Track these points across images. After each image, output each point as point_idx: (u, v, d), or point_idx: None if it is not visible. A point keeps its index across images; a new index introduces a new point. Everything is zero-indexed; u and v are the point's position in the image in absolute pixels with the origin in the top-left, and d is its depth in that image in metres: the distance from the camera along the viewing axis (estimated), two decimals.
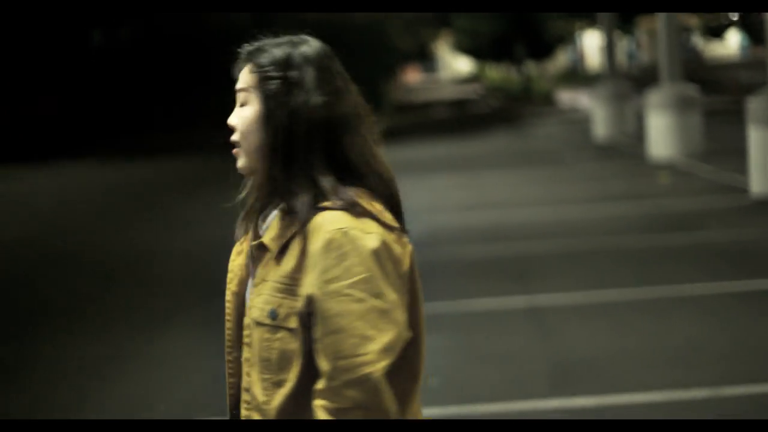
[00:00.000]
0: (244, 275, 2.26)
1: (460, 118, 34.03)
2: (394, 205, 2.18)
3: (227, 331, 2.24)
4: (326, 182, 2.11)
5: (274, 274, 2.11)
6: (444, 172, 18.74)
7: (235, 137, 2.19)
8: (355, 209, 2.09)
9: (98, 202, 17.68)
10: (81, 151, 27.89)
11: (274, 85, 2.15)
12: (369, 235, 2.07)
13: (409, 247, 2.17)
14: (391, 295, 2.07)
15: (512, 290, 8.93)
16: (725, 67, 52.47)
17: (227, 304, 2.24)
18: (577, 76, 54.69)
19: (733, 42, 67.13)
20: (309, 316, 2.07)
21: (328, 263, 2.05)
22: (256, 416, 2.14)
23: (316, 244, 2.06)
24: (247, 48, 2.22)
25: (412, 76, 67.17)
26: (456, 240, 11.59)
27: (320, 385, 2.05)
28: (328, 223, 2.07)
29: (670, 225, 11.62)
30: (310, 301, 2.06)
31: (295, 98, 2.13)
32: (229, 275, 2.26)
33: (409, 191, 14.89)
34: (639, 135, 21.56)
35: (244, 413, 2.17)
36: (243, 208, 2.27)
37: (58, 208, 17.32)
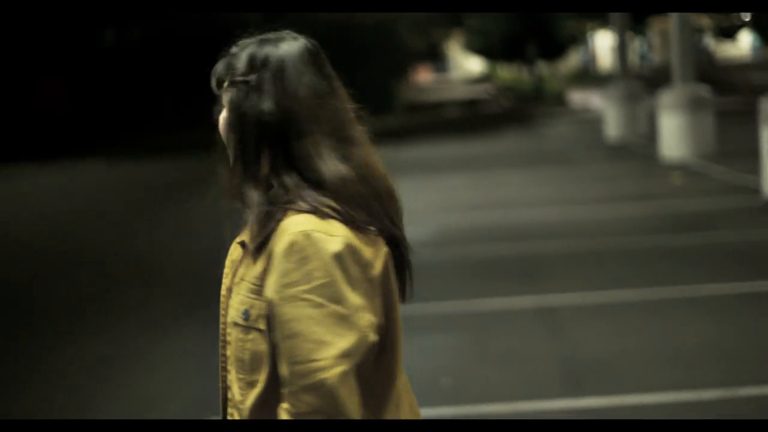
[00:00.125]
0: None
1: (471, 118, 33.99)
2: (373, 206, 2.13)
3: (221, 327, 2.24)
4: (285, 185, 2.09)
5: (250, 274, 2.12)
6: (455, 172, 18.72)
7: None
8: (321, 211, 2.06)
9: (108, 201, 17.70)
10: (91, 150, 27.94)
11: (235, 89, 2.16)
12: (332, 238, 2.04)
13: (384, 249, 2.12)
14: (355, 300, 2.04)
15: (522, 290, 8.91)
16: (737, 67, 52.34)
17: (221, 300, 2.24)
18: (588, 76, 54.62)
19: (745, 43, 66.92)
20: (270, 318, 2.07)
21: (288, 267, 2.03)
22: (236, 415, 2.15)
23: (279, 246, 2.05)
24: (226, 50, 2.23)
25: (423, 76, 67.14)
26: (466, 240, 11.57)
27: (283, 389, 2.06)
28: (293, 225, 2.05)
29: (681, 225, 11.59)
30: (269, 304, 2.06)
31: (251, 102, 2.13)
32: (225, 270, 2.26)
33: (419, 191, 14.95)
34: (651, 135, 21.52)
35: (229, 410, 2.19)
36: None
37: (67, 207, 17.35)
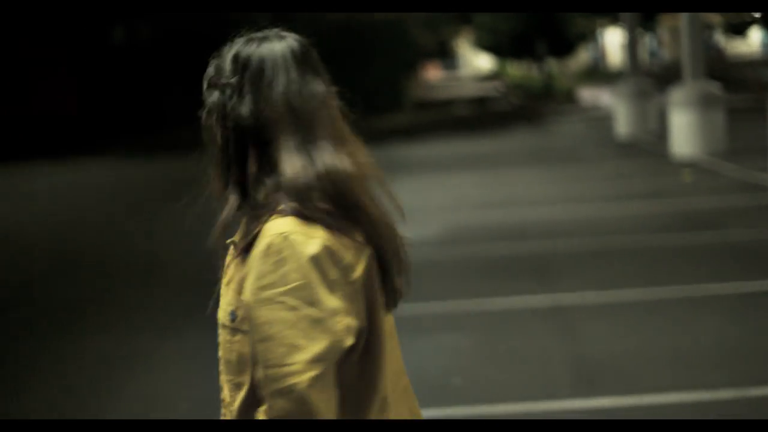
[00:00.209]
0: None
1: (480, 115, 33.95)
2: (352, 210, 2.09)
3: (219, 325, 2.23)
4: (268, 189, 2.08)
5: (238, 275, 2.11)
6: (464, 170, 18.69)
7: None
8: (303, 214, 2.04)
9: (118, 200, 17.71)
10: (101, 149, 27.98)
11: (217, 91, 2.15)
12: (310, 240, 2.02)
13: (367, 253, 2.09)
14: (331, 303, 2.01)
15: (532, 289, 8.88)
16: (747, 64, 52.22)
17: (220, 299, 2.23)
18: (598, 73, 54.52)
19: (755, 39, 66.76)
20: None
21: (264, 269, 2.01)
22: (228, 416, 2.15)
23: (258, 248, 2.04)
24: (217, 52, 2.21)
25: (433, 73, 67.09)
26: (475, 238, 11.54)
27: (259, 392, 2.05)
28: (273, 227, 2.03)
29: (692, 224, 11.54)
30: (245, 306, 2.04)
31: (231, 105, 2.12)
32: (225, 269, 2.25)
33: (429, 188, 14.92)
34: (661, 133, 21.47)
35: (222, 411, 2.19)
36: None
37: (77, 206, 17.37)
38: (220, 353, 2.16)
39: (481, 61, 67.25)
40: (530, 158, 20.20)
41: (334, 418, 2.02)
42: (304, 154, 2.08)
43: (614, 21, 43.28)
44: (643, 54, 52.23)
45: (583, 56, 59.40)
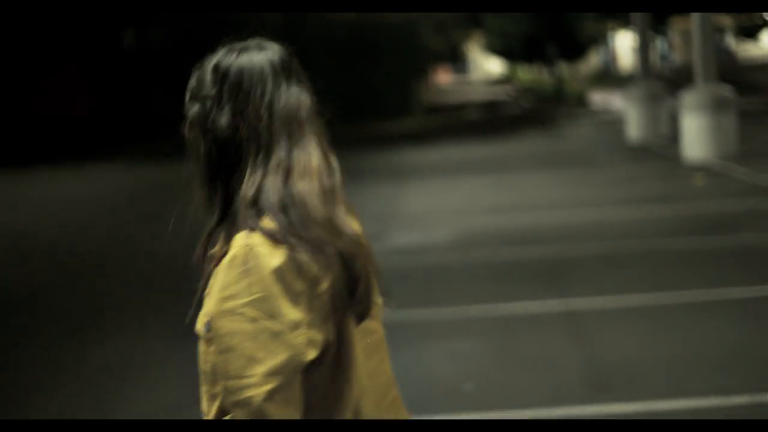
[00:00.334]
0: None
1: (491, 119, 33.93)
2: (319, 228, 2.05)
3: None
4: (240, 204, 2.06)
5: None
6: (476, 174, 18.66)
7: None
8: (270, 230, 2.01)
9: (131, 205, 17.72)
10: (112, 153, 28.02)
11: (197, 104, 2.13)
12: (275, 252, 2.00)
13: (335, 264, 2.04)
14: (293, 316, 1.99)
15: (545, 294, 8.84)
16: (759, 67, 52.08)
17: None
18: (609, 77, 54.45)
19: (766, 42, 66.60)
20: None
21: (228, 280, 2.00)
22: None
23: (224, 259, 2.03)
24: (199, 63, 2.19)
25: (443, 77, 67.09)
26: (488, 242, 11.51)
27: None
28: (240, 239, 2.02)
29: (705, 227, 11.49)
30: (209, 316, 2.03)
31: (210, 119, 2.10)
32: (207, 280, 2.23)
33: (440, 193, 14.86)
34: (673, 136, 21.40)
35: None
36: None
37: (89, 210, 17.38)
38: (199, 364, 2.14)
39: (492, 65, 67.23)
40: (541, 162, 20.16)
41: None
42: (279, 170, 2.06)
43: (625, 24, 43.20)
44: (654, 57, 52.15)
45: (593, 60, 59.35)
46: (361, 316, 2.10)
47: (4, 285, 11.34)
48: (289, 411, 1.98)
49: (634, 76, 27.57)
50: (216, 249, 2.14)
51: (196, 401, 2.19)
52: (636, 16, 25.90)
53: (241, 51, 2.13)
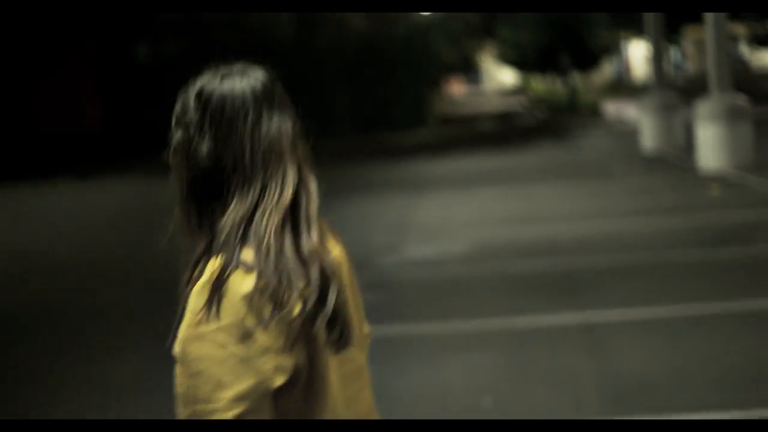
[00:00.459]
0: None
1: (505, 130, 33.91)
2: (294, 259, 2.04)
3: None
4: (217, 234, 2.06)
5: None
6: (490, 186, 18.64)
7: None
8: (243, 261, 2.01)
9: (145, 218, 17.74)
10: (125, 167, 28.08)
11: (180, 130, 2.13)
12: (246, 277, 1.99)
13: (308, 291, 2.02)
14: (262, 342, 1.98)
15: (562, 306, 8.81)
16: None
17: None
18: (622, 86, 54.38)
19: None
20: None
21: (198, 305, 2.00)
22: None
23: (197, 284, 2.03)
24: (184, 88, 2.19)
25: (457, 88, 67.12)
26: (503, 254, 11.48)
27: None
28: (212, 265, 2.03)
29: (721, 238, 11.45)
30: (180, 340, 2.02)
31: (191, 147, 2.09)
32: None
33: (455, 204, 14.81)
34: (687, 147, 21.34)
35: None
36: None
37: (103, 223, 17.41)
38: (175, 387, 2.13)
39: (505, 76, 67.24)
40: (556, 173, 20.12)
41: None
42: (257, 201, 2.05)
43: (638, 33, 43.14)
44: (668, 67, 52.06)
45: (607, 69, 59.28)
46: (339, 344, 2.08)
47: (20, 299, 11.36)
48: None
49: (648, 86, 27.53)
50: (195, 273, 2.13)
51: None
52: (649, 25, 25.85)
53: (223, 77, 2.12)
